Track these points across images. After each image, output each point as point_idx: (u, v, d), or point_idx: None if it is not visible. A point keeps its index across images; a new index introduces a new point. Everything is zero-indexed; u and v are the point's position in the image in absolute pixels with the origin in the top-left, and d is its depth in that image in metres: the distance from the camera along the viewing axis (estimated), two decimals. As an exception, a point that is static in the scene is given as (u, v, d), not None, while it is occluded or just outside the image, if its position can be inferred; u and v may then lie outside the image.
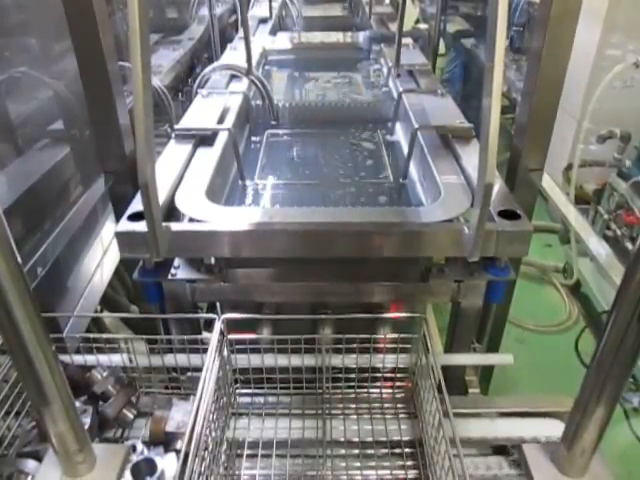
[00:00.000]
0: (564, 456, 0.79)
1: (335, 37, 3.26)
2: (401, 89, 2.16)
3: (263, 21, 3.57)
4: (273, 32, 3.42)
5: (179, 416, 1.13)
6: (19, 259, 0.58)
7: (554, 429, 1.14)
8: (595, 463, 0.79)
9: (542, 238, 3.80)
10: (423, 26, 4.27)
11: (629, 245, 2.86)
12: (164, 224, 1.16)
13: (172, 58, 2.98)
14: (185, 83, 3.08)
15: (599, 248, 1.39)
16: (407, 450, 1.18)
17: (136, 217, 1.27)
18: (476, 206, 1.04)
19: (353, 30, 3.58)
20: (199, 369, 1.12)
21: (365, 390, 1.31)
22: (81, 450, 0.75)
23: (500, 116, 0.99)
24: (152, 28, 3.41)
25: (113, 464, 0.78)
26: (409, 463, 1.16)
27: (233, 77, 2.28)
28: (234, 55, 2.53)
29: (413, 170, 1.84)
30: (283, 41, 3.17)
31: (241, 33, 2.90)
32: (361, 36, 3.20)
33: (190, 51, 3.27)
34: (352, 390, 1.31)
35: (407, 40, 2.78)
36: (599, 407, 0.72)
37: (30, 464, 1.00)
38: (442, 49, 4.81)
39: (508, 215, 1.30)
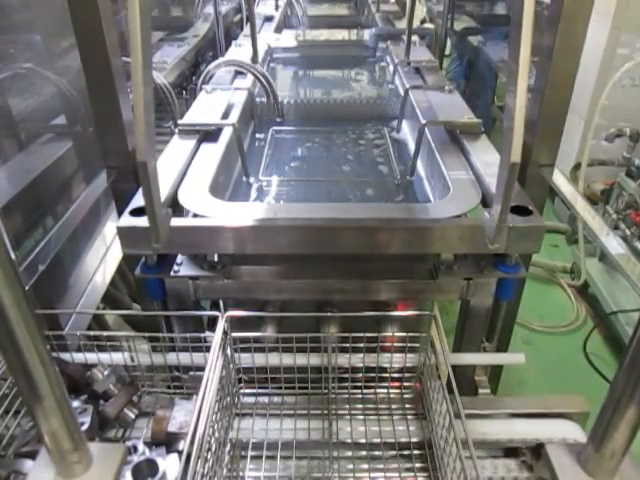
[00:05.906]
0: (592, 457, 0.75)
1: (341, 35, 3.24)
2: (408, 85, 2.13)
3: (268, 19, 3.55)
4: (278, 30, 3.40)
5: (181, 416, 1.11)
6: (9, 246, 0.55)
7: (569, 430, 1.12)
8: (625, 465, 0.75)
9: (549, 239, 3.76)
10: (429, 26, 4.25)
11: (638, 245, 2.83)
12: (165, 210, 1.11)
13: (176, 55, 2.96)
14: (189, 81, 3.07)
15: (611, 241, 1.35)
16: (416, 452, 1.15)
17: (138, 212, 1.25)
18: (499, 188, 0.98)
19: (358, 29, 3.56)
20: (202, 368, 1.09)
21: (372, 390, 1.28)
22: (76, 449, 0.72)
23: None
24: (157, 25, 3.40)
25: (110, 464, 0.75)
26: (418, 465, 1.13)
27: (238, 73, 2.26)
28: (239, 52, 2.51)
29: (420, 166, 1.81)
30: (288, 38, 3.15)
31: (246, 31, 2.89)
32: (367, 33, 3.17)
33: (195, 48, 3.25)
34: (359, 390, 1.27)
35: (414, 38, 2.75)
36: (632, 404, 0.69)
37: (28, 464, 0.97)
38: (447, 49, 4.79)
39: (519, 211, 1.27)
